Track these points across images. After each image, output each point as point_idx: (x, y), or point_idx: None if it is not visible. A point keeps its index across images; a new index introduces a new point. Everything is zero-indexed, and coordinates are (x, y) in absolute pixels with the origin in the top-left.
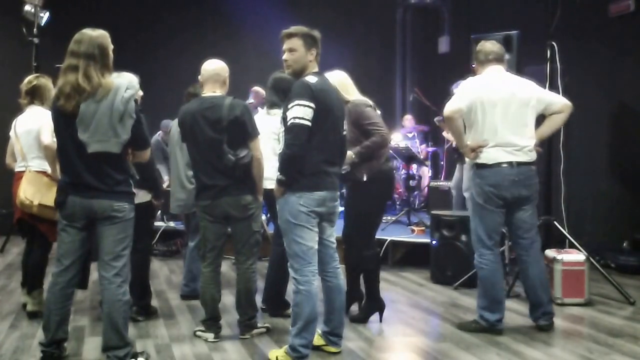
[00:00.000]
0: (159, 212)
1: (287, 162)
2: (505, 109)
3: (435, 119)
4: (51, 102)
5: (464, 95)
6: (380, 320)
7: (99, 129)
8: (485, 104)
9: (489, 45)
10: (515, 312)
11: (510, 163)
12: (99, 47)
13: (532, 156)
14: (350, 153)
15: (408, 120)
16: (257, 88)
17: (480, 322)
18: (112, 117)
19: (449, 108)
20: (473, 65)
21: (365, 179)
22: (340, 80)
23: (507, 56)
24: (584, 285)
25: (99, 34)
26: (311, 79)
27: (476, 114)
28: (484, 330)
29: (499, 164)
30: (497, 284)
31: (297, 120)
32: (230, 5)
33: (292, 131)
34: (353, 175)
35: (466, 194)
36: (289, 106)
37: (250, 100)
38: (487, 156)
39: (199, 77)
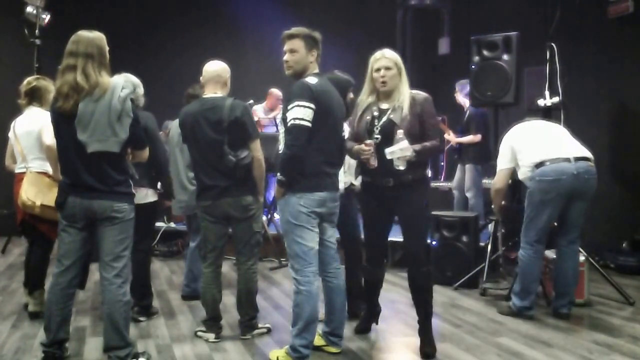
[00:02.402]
0: (165, 216)
1: (287, 162)
2: (543, 134)
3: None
4: (50, 104)
5: (504, 153)
6: (377, 323)
7: (98, 129)
8: (519, 141)
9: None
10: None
11: (567, 159)
12: (97, 47)
13: (588, 153)
14: (410, 148)
15: None
16: (273, 89)
17: (512, 306)
18: (110, 116)
19: (498, 181)
20: (472, 67)
21: (406, 181)
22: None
23: (506, 57)
24: (583, 286)
25: (96, 35)
26: (311, 79)
27: (520, 152)
28: (513, 314)
29: (557, 159)
30: (531, 276)
31: (297, 121)
32: (231, 7)
33: (292, 132)
34: (404, 177)
35: (468, 194)
36: (289, 107)
37: (249, 101)
38: (543, 155)
39: (201, 78)
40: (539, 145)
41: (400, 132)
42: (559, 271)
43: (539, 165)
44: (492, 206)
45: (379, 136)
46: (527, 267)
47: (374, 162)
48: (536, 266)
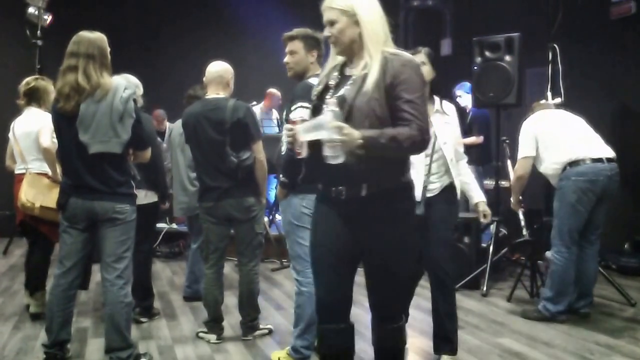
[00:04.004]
0: (167, 218)
1: (289, 164)
2: (571, 129)
3: None
4: (51, 105)
5: (527, 141)
6: None
7: (100, 130)
8: (545, 132)
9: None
10: (516, 313)
11: (601, 159)
12: (98, 48)
13: (613, 153)
14: (355, 134)
15: None
16: (272, 90)
17: (543, 312)
18: (112, 117)
19: (520, 168)
20: (474, 68)
21: (364, 193)
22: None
23: (508, 58)
24: None
25: (97, 36)
26: (314, 80)
27: (544, 143)
28: (545, 319)
29: (593, 159)
30: (567, 279)
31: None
32: (233, 7)
33: None
34: (360, 186)
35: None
36: (292, 108)
37: (252, 102)
38: (578, 153)
39: (204, 79)
40: (570, 142)
41: (331, 102)
42: (580, 272)
43: (573, 163)
44: (511, 198)
45: None
46: (564, 271)
47: (299, 149)
48: (572, 269)
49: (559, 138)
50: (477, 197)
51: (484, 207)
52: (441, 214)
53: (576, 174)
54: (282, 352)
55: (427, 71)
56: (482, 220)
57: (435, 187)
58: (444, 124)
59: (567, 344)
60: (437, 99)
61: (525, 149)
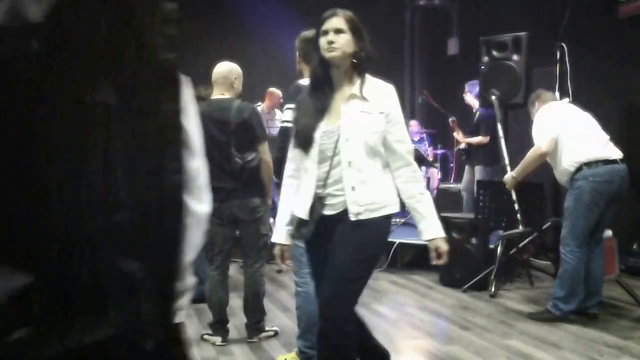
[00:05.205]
0: None
1: (278, 165)
2: (586, 128)
3: (450, 120)
4: None
5: (550, 126)
6: None
7: None
8: (562, 132)
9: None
10: (525, 314)
11: (615, 160)
12: None
13: (622, 154)
14: None
15: (413, 125)
16: (272, 89)
17: (553, 311)
18: None
19: (545, 144)
20: (481, 67)
21: None
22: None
23: (515, 57)
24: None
25: None
26: (305, 81)
27: (560, 143)
28: (556, 319)
29: (609, 161)
30: (578, 278)
31: (285, 124)
32: (239, 8)
33: (281, 135)
34: None
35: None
36: (283, 110)
37: (257, 104)
38: (594, 153)
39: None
40: (585, 142)
41: None
42: (588, 271)
43: (590, 164)
44: (514, 172)
45: None
46: (576, 270)
47: None
48: (582, 268)
49: (574, 137)
50: (428, 231)
51: (439, 244)
52: (343, 238)
53: (593, 174)
54: (289, 354)
55: (347, 41)
56: (434, 260)
57: (337, 202)
58: (359, 113)
59: (576, 345)
60: (360, 78)
61: (550, 131)
